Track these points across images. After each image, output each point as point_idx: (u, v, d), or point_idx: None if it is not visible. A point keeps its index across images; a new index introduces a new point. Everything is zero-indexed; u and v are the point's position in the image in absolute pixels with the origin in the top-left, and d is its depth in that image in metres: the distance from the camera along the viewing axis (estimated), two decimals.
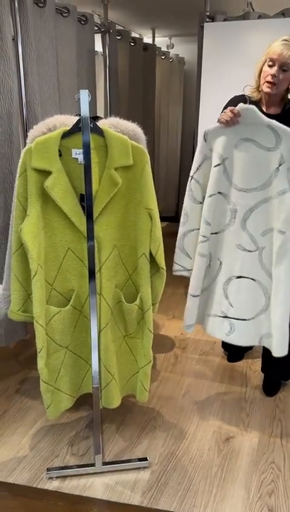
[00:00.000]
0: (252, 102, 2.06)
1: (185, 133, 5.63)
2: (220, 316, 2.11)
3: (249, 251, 2.02)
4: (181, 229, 2.15)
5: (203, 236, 2.06)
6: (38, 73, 2.61)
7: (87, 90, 1.44)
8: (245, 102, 2.04)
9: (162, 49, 4.90)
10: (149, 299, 1.78)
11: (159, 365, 2.69)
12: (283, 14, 2.95)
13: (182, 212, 2.14)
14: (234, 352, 2.73)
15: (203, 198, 2.07)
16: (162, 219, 2.44)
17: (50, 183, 1.57)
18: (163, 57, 4.89)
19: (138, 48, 4.05)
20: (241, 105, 1.90)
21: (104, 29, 3.35)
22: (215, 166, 2.00)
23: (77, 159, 1.64)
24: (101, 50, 3.53)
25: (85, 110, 1.46)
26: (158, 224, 1.73)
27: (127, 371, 1.92)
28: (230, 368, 2.66)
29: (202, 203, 2.09)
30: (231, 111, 1.89)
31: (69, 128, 1.61)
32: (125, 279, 1.82)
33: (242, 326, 2.08)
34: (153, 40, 4.77)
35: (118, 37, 3.69)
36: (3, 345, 2.52)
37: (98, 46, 3.46)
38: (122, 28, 4.11)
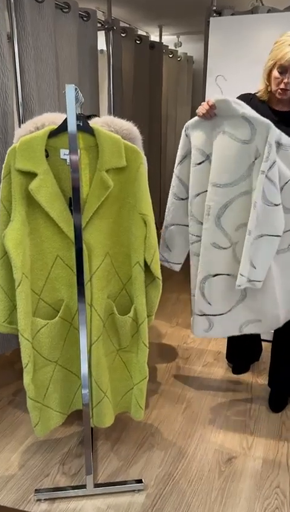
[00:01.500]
0: (260, 101, 1.97)
1: None
2: (198, 315, 2.07)
3: (223, 248, 1.94)
4: (164, 223, 2.16)
5: (196, 236, 2.01)
6: (36, 71, 2.50)
7: (73, 85, 1.32)
8: (248, 101, 1.95)
9: (169, 48, 4.77)
10: (144, 310, 1.66)
11: (159, 377, 2.56)
12: None
13: (166, 206, 2.13)
14: (238, 364, 2.59)
15: (186, 194, 2.03)
16: None
17: (35, 186, 1.45)
18: (171, 56, 4.76)
19: (144, 45, 3.92)
20: (216, 96, 1.83)
21: (107, 26, 3.24)
22: (199, 163, 1.92)
23: (66, 160, 1.51)
24: (105, 48, 3.41)
25: (71, 105, 1.34)
26: (153, 231, 1.60)
27: (121, 388, 1.79)
28: (235, 380, 2.52)
29: (183, 199, 2.05)
30: (207, 103, 1.83)
31: (57, 126, 1.49)
32: (118, 290, 1.69)
33: (219, 320, 2.05)
34: (160, 38, 4.63)
35: (123, 35, 3.57)
36: None
37: (103, 44, 3.35)
38: (127, 25, 3.99)
